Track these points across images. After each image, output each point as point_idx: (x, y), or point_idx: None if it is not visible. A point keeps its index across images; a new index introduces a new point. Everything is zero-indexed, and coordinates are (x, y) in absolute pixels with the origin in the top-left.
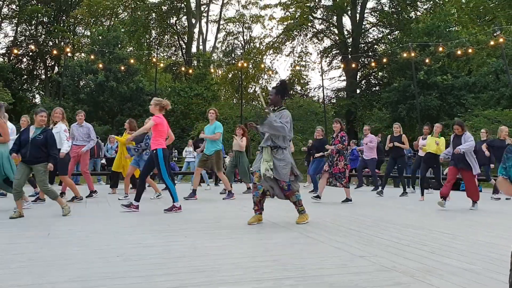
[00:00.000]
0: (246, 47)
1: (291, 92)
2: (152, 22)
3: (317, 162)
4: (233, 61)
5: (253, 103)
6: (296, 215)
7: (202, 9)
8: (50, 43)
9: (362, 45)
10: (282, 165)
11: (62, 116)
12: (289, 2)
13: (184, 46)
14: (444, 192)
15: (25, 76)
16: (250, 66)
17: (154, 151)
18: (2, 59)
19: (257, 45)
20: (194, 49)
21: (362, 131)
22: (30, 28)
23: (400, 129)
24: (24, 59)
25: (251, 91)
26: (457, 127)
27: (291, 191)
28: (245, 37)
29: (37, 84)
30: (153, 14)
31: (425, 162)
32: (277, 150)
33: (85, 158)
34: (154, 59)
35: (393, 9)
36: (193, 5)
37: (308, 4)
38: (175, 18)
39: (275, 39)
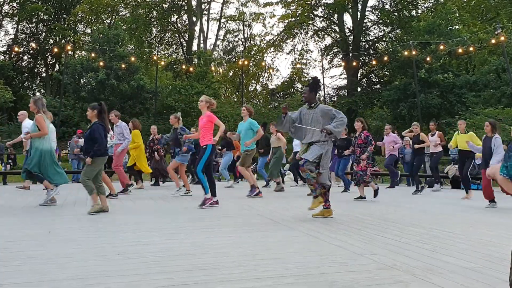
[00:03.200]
0: (246, 45)
1: (292, 89)
2: (153, 20)
3: (343, 161)
4: (234, 59)
5: (254, 101)
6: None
7: (203, 7)
8: (51, 41)
9: (363, 43)
10: (316, 147)
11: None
12: (290, 0)
13: (185, 44)
14: (489, 197)
15: (26, 74)
16: (251, 64)
17: (205, 146)
18: (3, 57)
19: (258, 43)
20: (195, 47)
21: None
22: (31, 26)
23: (419, 128)
24: (25, 57)
25: (252, 89)
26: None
27: (302, 167)
28: (245, 35)
29: (38, 82)
30: (154, 12)
31: (460, 159)
32: (324, 145)
33: (120, 157)
34: (155, 57)
35: (394, 7)
36: (194, 3)
37: (309, 2)
38: (176, 16)
39: (276, 37)
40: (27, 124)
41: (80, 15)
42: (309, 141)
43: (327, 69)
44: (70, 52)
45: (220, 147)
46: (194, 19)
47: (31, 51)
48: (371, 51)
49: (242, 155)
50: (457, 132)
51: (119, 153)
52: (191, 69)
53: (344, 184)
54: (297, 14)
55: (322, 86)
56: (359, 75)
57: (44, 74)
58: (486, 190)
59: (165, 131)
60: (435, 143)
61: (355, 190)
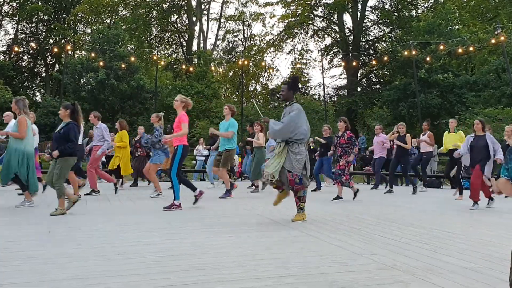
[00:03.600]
0: (246, 45)
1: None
2: (152, 20)
3: (326, 161)
4: (234, 59)
5: (252, 100)
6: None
7: (203, 7)
8: (51, 41)
9: (363, 43)
10: (297, 158)
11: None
12: (290, 0)
13: (185, 44)
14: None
15: (26, 74)
16: (251, 64)
17: (176, 147)
18: (3, 57)
19: (258, 43)
20: (194, 47)
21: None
22: (30, 26)
23: (405, 128)
24: (25, 57)
25: (252, 89)
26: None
27: (302, 185)
28: (245, 35)
29: (37, 82)
30: (154, 12)
31: (450, 159)
32: (292, 144)
33: (97, 158)
34: (154, 57)
35: (394, 7)
36: (194, 3)
37: (309, 2)
38: (176, 16)
39: (276, 36)
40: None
41: (80, 15)
42: (278, 140)
43: (327, 69)
44: (70, 52)
45: (209, 146)
46: (194, 19)
47: (31, 51)
48: (371, 51)
49: (223, 155)
50: (447, 131)
51: (98, 155)
52: (191, 69)
53: (317, 184)
54: (297, 14)
55: (300, 86)
56: (359, 75)
57: (44, 74)
58: (476, 191)
59: (165, 131)
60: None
61: (330, 188)
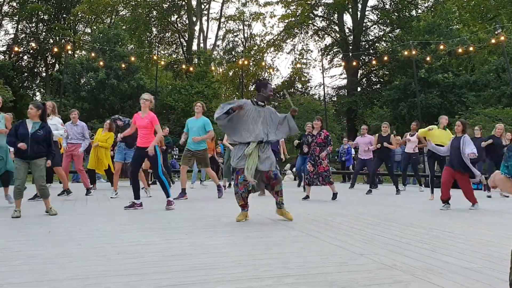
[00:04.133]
0: (246, 45)
1: (292, 88)
2: (153, 19)
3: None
4: (234, 59)
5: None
6: (275, 208)
7: (203, 6)
8: (51, 41)
9: (363, 43)
10: (264, 157)
11: (53, 109)
12: (290, 0)
13: (185, 44)
14: (445, 196)
15: (26, 74)
16: (251, 64)
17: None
18: (3, 57)
19: (258, 43)
20: (194, 47)
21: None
22: (30, 25)
23: (389, 128)
24: (25, 57)
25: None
26: (459, 126)
27: (277, 180)
28: (245, 35)
29: (37, 81)
30: (154, 11)
31: (433, 155)
32: (264, 145)
33: (80, 157)
34: (155, 57)
35: (394, 7)
36: (194, 2)
37: (309, 2)
38: (176, 16)
39: (276, 36)
40: None
41: (80, 15)
42: (252, 139)
43: (327, 69)
44: (70, 52)
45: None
46: (194, 18)
47: (31, 51)
48: (371, 51)
49: (201, 156)
50: (437, 125)
51: (80, 154)
52: (191, 68)
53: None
54: (297, 14)
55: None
56: (359, 75)
57: (44, 74)
58: (445, 190)
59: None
60: (415, 144)
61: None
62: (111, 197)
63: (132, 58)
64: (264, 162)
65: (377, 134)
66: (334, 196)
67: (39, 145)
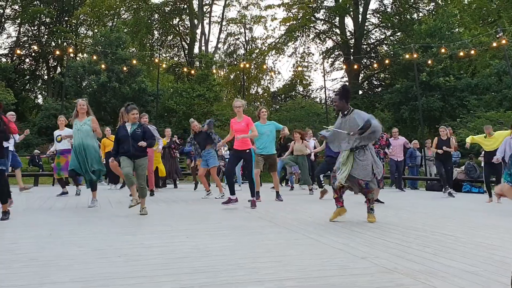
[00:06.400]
0: (248, 48)
1: (293, 91)
2: (154, 23)
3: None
4: (235, 62)
5: (255, 104)
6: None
7: (205, 9)
8: (53, 44)
9: (365, 46)
10: (364, 164)
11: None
12: (292, 3)
13: (187, 47)
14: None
15: (28, 77)
16: (252, 67)
17: (248, 150)
18: (5, 60)
19: (259, 46)
20: (196, 50)
21: None
22: (32, 28)
23: (447, 131)
24: (27, 60)
25: (253, 92)
26: None
27: (368, 190)
28: (247, 38)
29: (39, 84)
30: (156, 15)
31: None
32: (359, 151)
33: (150, 160)
34: (156, 60)
35: (395, 11)
36: (195, 6)
37: (310, 5)
38: (177, 19)
39: (277, 39)
40: None
41: (82, 18)
42: (349, 147)
43: (328, 72)
44: (72, 55)
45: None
46: (196, 22)
47: (33, 54)
48: (373, 54)
49: (271, 161)
50: (484, 135)
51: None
52: (192, 71)
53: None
54: (299, 17)
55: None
56: (360, 78)
57: (46, 77)
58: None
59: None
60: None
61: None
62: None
63: (134, 61)
64: (359, 169)
65: (436, 138)
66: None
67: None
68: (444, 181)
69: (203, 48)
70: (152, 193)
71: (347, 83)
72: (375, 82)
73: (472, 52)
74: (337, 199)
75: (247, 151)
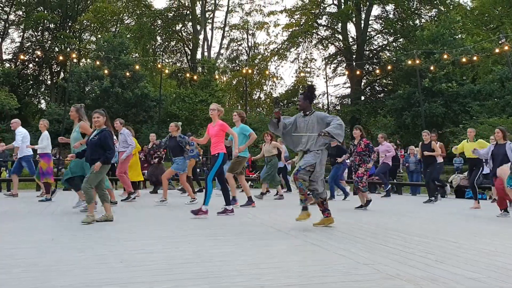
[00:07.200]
0: (250, 54)
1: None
2: (157, 28)
3: (334, 169)
4: (238, 68)
5: (257, 109)
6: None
7: (207, 15)
8: (56, 49)
9: (367, 52)
10: (310, 156)
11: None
12: (294, 9)
13: (189, 53)
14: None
15: (31, 82)
16: (255, 72)
17: (217, 154)
18: (9, 65)
19: (262, 52)
20: (199, 56)
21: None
22: (36, 34)
23: (429, 136)
24: (30, 65)
25: (256, 97)
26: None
27: (297, 176)
28: (249, 44)
29: (42, 89)
30: (159, 20)
31: (470, 167)
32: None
33: (124, 164)
34: (159, 65)
35: (397, 17)
36: (198, 11)
37: (313, 11)
38: (180, 25)
39: (280, 45)
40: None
41: (85, 23)
42: (304, 148)
43: (331, 77)
44: (75, 60)
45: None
46: (199, 27)
47: (37, 59)
48: (375, 60)
49: (232, 161)
50: (466, 140)
51: (123, 160)
52: (195, 77)
53: (343, 192)
54: (301, 23)
55: (317, 94)
56: (362, 84)
57: (49, 82)
58: (501, 199)
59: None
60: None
61: (355, 198)
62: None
63: (137, 67)
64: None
65: (420, 143)
66: (360, 206)
67: (94, 152)
68: (428, 188)
69: (206, 53)
70: (128, 196)
71: (349, 89)
72: (378, 88)
73: (475, 58)
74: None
75: (215, 155)
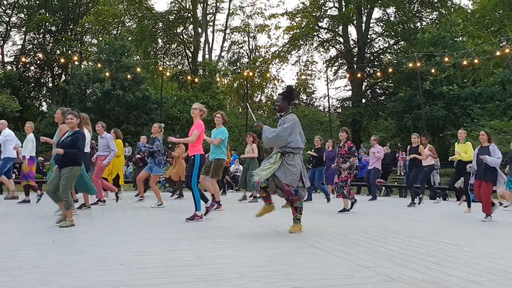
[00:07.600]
0: (251, 56)
1: (297, 100)
2: (159, 31)
3: (318, 171)
4: (239, 70)
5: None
6: (290, 223)
7: (209, 18)
8: (58, 52)
9: (368, 55)
10: (292, 170)
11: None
12: (295, 12)
13: (190, 55)
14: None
15: (33, 84)
16: (256, 75)
17: (193, 157)
18: (10, 67)
19: (263, 54)
20: (200, 58)
21: (368, 140)
22: (38, 36)
23: (418, 139)
24: (32, 67)
25: (257, 100)
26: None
27: (297, 197)
28: (250, 47)
29: (44, 92)
30: (160, 23)
31: (457, 171)
32: (288, 155)
33: (102, 168)
34: (160, 68)
35: (399, 20)
36: (199, 14)
37: (314, 14)
38: (181, 28)
39: (281, 48)
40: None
41: (87, 26)
42: (276, 150)
43: (332, 80)
44: (76, 63)
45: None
46: (200, 30)
47: (38, 62)
48: (376, 63)
49: (212, 165)
50: (456, 142)
51: (104, 165)
52: (196, 79)
53: (325, 193)
54: (302, 26)
55: (296, 98)
56: (363, 86)
57: (50, 84)
58: (487, 203)
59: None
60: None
61: (334, 200)
62: (151, 206)
63: (138, 69)
64: (285, 174)
65: (409, 147)
66: (343, 210)
67: (64, 153)
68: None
69: (207, 56)
70: (97, 202)
71: (350, 92)
72: (379, 91)
73: (476, 61)
74: (266, 198)
75: (192, 157)
